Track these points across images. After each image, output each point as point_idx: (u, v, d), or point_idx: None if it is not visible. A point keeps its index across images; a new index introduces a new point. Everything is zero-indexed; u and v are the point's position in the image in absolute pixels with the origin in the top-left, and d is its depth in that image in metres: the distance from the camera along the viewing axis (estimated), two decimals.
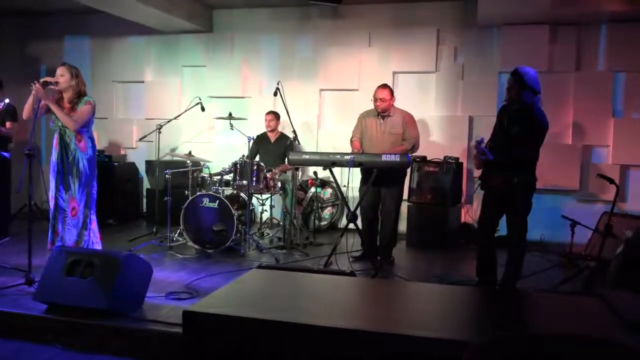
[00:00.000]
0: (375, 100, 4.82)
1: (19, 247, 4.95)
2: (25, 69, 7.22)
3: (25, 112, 4.11)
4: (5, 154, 4.51)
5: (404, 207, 5.98)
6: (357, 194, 5.16)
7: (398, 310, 2.58)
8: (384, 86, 4.87)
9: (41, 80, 4.04)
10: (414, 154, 5.37)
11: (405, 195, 5.77)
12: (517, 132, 3.81)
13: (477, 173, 4.32)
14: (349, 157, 4.52)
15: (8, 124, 5.45)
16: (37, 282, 3.64)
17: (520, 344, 1.50)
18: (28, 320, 3.37)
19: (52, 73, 4.24)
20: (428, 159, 6.00)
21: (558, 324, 2.37)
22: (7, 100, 5.13)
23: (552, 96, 5.83)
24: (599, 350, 1.46)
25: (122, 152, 7.50)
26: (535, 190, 3.98)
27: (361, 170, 4.92)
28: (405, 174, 5.08)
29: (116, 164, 6.94)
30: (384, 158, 4.49)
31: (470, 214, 6.20)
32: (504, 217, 4.10)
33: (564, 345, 1.46)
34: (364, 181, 4.97)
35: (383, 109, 4.82)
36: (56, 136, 4.22)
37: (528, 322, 2.56)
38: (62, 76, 4.18)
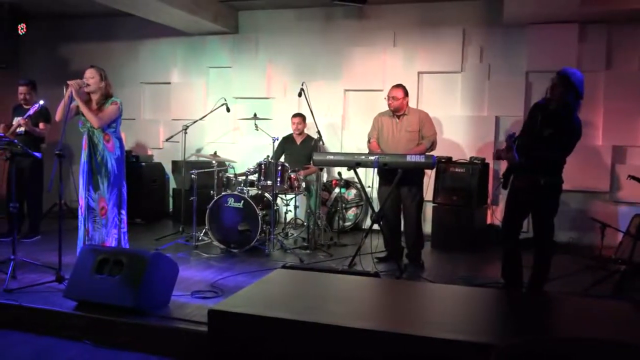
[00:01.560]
0: (388, 98, 4.86)
1: (49, 246, 5.07)
2: (55, 72, 7.39)
3: (59, 113, 4.21)
4: (37, 154, 4.63)
5: (429, 208, 5.95)
6: None
7: (423, 312, 2.56)
8: (398, 85, 4.90)
9: (73, 82, 4.15)
10: (439, 155, 5.32)
11: (430, 197, 5.74)
12: (551, 133, 3.69)
13: (503, 171, 4.24)
14: (374, 157, 4.51)
15: (41, 125, 5.60)
16: (67, 280, 3.72)
17: (548, 347, 1.47)
18: (59, 316, 3.45)
19: (79, 75, 4.34)
20: (454, 159, 5.94)
21: (587, 328, 2.33)
22: (41, 102, 5.25)
23: None
24: (627, 356, 1.42)
25: (149, 153, 7.62)
26: (562, 192, 3.90)
27: (378, 172, 4.90)
28: (424, 174, 5.04)
29: (143, 164, 7.05)
30: (409, 159, 4.47)
31: (496, 215, 6.13)
32: (529, 218, 4.03)
33: (591, 349, 1.43)
34: (383, 182, 4.94)
35: (395, 107, 4.83)
36: (85, 137, 4.30)
37: (555, 326, 2.52)
38: (92, 78, 4.27)
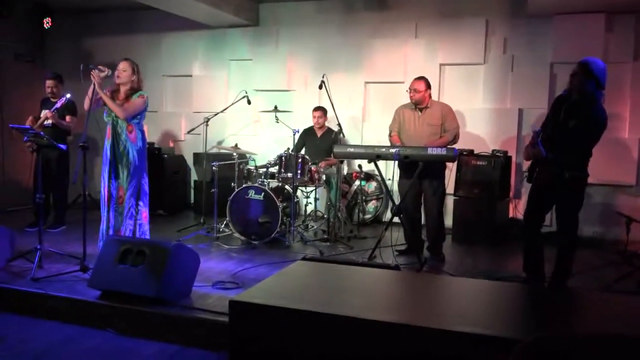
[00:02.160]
0: (410, 90, 4.82)
1: (74, 236, 5.17)
2: (79, 65, 7.47)
3: (87, 103, 4.30)
4: (62, 146, 4.71)
5: (450, 201, 5.90)
6: None
7: (442, 305, 2.55)
8: (420, 78, 4.86)
9: (97, 67, 4.25)
10: (461, 148, 5.27)
11: (451, 189, 5.70)
12: (575, 125, 3.63)
13: (526, 165, 4.19)
14: (395, 150, 4.49)
15: (68, 118, 5.71)
16: (91, 269, 3.80)
17: (571, 343, 1.45)
18: (83, 305, 3.52)
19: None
20: (475, 152, 5.88)
21: (610, 324, 2.29)
22: (68, 96, 5.33)
23: (608, 87, 5.55)
24: None
25: (171, 145, 7.69)
26: (587, 186, 3.84)
27: (399, 165, 4.87)
28: (445, 167, 5.00)
29: (165, 156, 7.13)
30: (431, 151, 4.44)
31: (518, 208, 6.05)
32: (552, 212, 3.98)
33: (615, 345, 1.41)
34: (403, 175, 4.91)
35: (417, 100, 4.79)
36: (109, 127, 4.39)
37: (578, 322, 2.49)
38: (125, 71, 4.39)
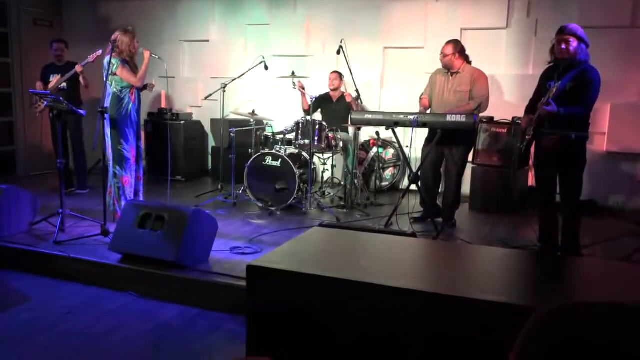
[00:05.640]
0: (440, 54, 4.76)
1: (95, 200, 5.25)
2: (96, 30, 7.49)
3: (143, 77, 4.65)
4: (82, 111, 4.75)
5: (469, 169, 5.84)
6: (419, 155, 5.08)
7: (458, 273, 2.55)
8: (450, 41, 4.77)
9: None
10: (481, 115, 5.18)
11: (470, 157, 5.63)
12: (572, 87, 3.67)
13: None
14: (413, 117, 4.44)
15: (82, 80, 5.73)
16: (111, 234, 3.87)
17: (588, 312, 1.45)
18: (105, 268, 3.61)
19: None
20: (495, 119, 5.78)
21: (628, 293, 2.28)
22: (101, 51, 5.25)
23: (635, 53, 5.44)
24: None
25: (189, 111, 7.70)
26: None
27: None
28: (472, 135, 4.92)
29: (183, 122, 7.14)
30: (449, 118, 4.38)
31: None
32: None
33: (633, 314, 1.40)
34: (428, 140, 4.87)
35: (445, 64, 4.73)
36: (133, 91, 4.63)
37: (596, 291, 2.47)
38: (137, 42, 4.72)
